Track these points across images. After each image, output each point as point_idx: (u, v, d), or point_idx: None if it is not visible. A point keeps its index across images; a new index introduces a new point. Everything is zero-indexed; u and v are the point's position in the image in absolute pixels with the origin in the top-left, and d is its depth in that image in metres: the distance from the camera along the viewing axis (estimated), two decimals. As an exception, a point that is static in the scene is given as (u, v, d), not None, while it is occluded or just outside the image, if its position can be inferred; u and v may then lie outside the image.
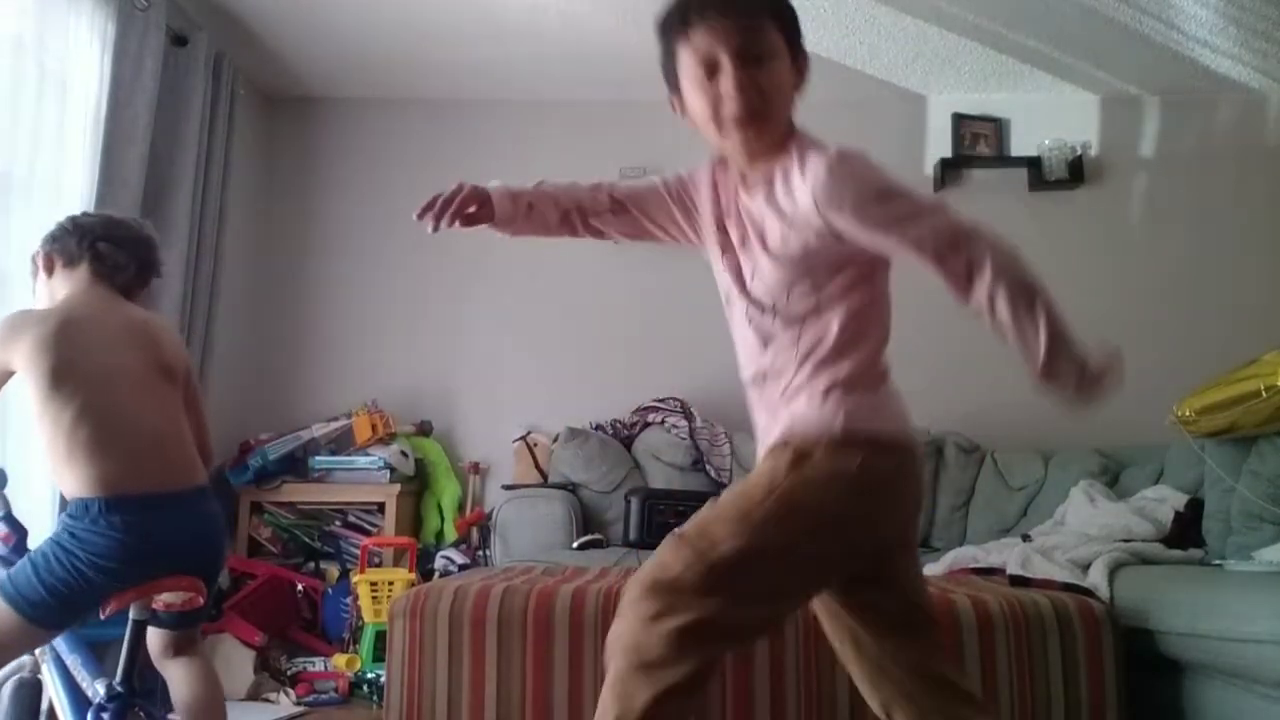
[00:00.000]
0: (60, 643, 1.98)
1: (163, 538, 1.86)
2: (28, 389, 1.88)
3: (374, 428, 3.77)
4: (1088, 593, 2.14)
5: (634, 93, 4.03)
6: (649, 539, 3.26)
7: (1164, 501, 2.67)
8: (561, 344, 4.11)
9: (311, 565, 3.63)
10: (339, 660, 3.13)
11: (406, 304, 4.15)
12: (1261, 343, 2.43)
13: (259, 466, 3.63)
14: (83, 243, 2.03)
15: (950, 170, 4.11)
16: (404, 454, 3.77)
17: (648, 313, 4.03)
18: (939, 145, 4.14)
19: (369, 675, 3.00)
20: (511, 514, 3.44)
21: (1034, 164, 4.06)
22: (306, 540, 3.68)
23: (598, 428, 3.89)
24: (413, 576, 3.24)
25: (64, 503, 1.88)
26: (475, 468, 4.00)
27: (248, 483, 3.66)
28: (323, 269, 4.21)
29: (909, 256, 1.21)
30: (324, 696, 2.95)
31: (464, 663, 1.98)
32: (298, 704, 2.90)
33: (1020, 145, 4.14)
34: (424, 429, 4.00)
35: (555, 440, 3.82)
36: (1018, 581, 2.27)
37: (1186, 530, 2.54)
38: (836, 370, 1.25)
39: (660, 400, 3.90)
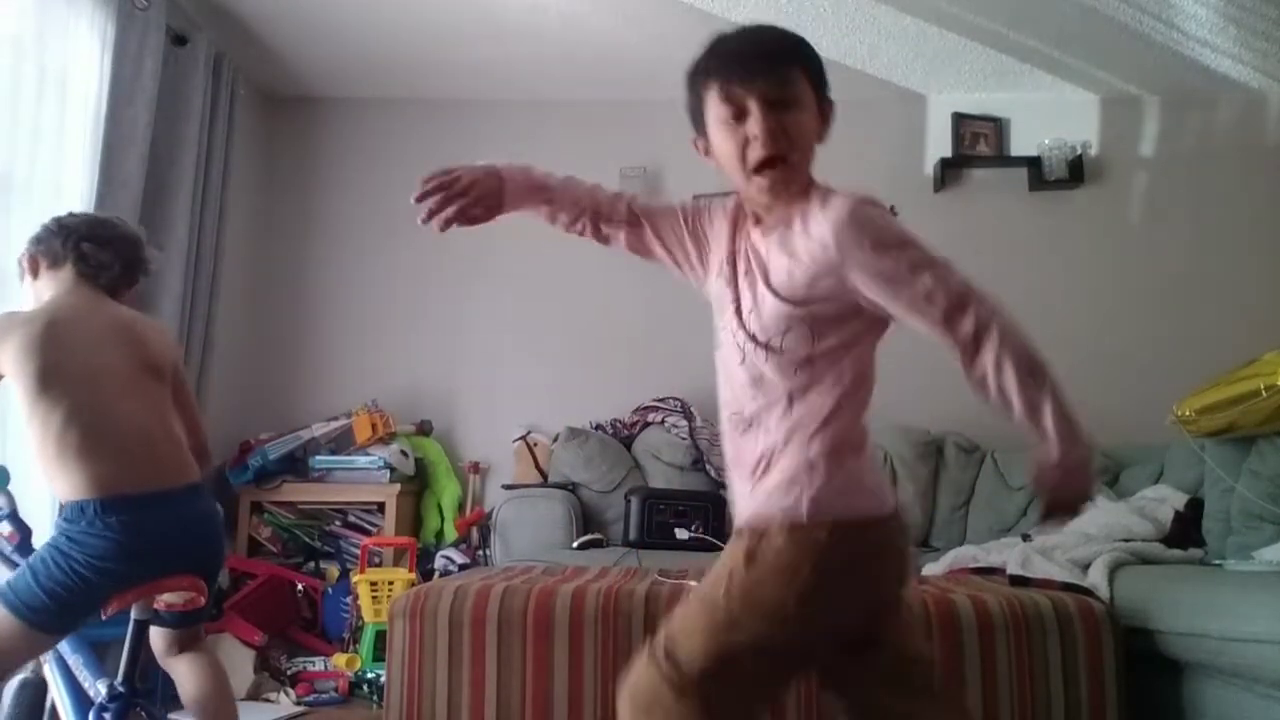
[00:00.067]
0: (62, 643, 1.98)
1: (159, 536, 1.86)
2: (15, 392, 1.87)
3: (374, 427, 3.77)
4: (1088, 592, 2.14)
5: (634, 93, 4.05)
6: (649, 539, 3.26)
7: (1164, 501, 2.67)
8: (561, 344, 4.11)
9: (311, 565, 3.63)
10: (339, 660, 3.13)
11: (406, 304, 4.16)
12: (1261, 343, 2.43)
13: (259, 466, 3.63)
14: (67, 243, 2.03)
15: (950, 170, 4.12)
16: (404, 454, 3.77)
17: (648, 312, 4.03)
18: (939, 145, 4.14)
19: (369, 675, 3.01)
20: (511, 514, 3.44)
21: (1034, 164, 4.06)
22: (306, 540, 3.68)
23: (598, 427, 3.89)
24: (413, 576, 3.24)
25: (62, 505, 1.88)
26: (475, 467, 4.00)
27: (248, 482, 3.66)
28: (323, 269, 4.21)
29: (914, 313, 1.20)
30: (324, 696, 2.95)
31: (464, 663, 1.99)
32: (298, 704, 2.90)
33: (1020, 145, 4.14)
34: (424, 429, 4.00)
35: (555, 440, 3.82)
36: (1018, 581, 2.26)
37: (1186, 530, 2.54)
38: (821, 439, 1.23)
39: (660, 400, 3.90)
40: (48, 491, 2.64)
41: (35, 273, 2.06)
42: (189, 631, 2.04)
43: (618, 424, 3.91)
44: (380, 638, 3.05)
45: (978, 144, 4.14)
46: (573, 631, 1.98)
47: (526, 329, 4.14)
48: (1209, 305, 3.97)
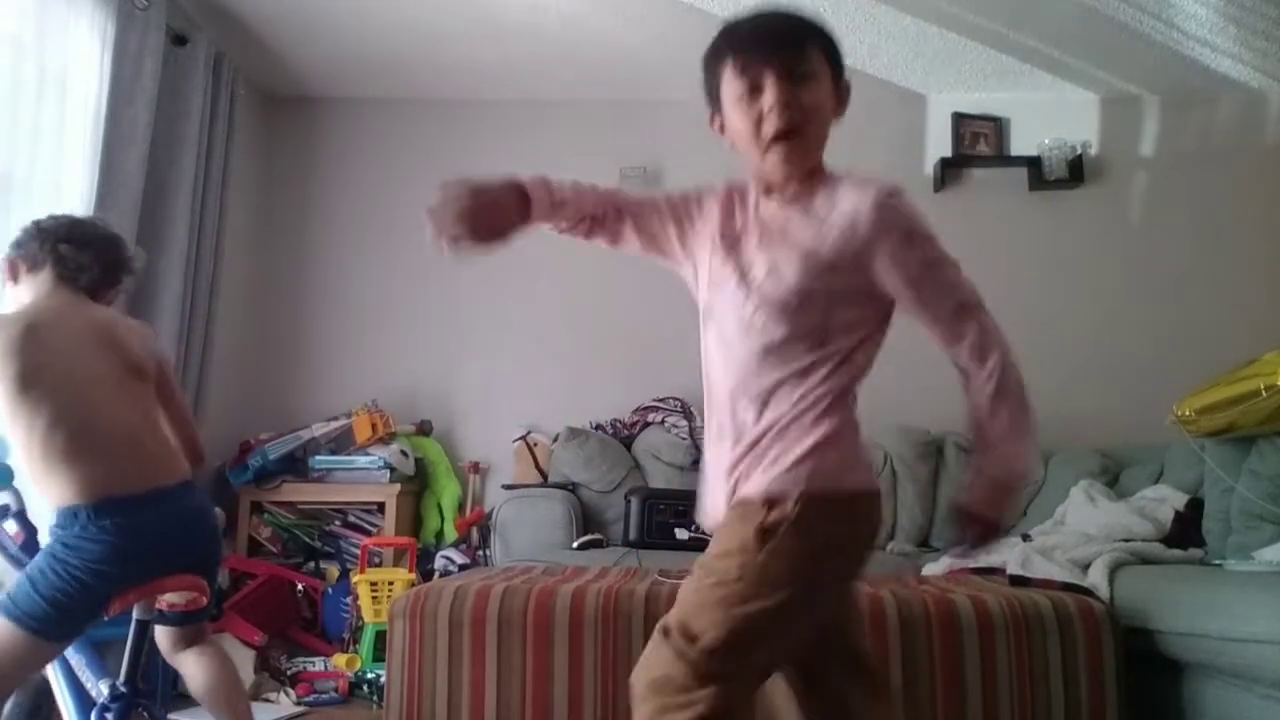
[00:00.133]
0: (65, 643, 1.99)
1: (154, 536, 1.86)
2: None
3: (374, 427, 3.77)
4: (1088, 592, 2.14)
5: (634, 93, 4.06)
6: (649, 539, 3.26)
7: (1164, 501, 2.67)
8: (561, 344, 4.11)
9: (311, 565, 3.63)
10: (339, 660, 3.13)
11: (406, 304, 4.16)
12: (1261, 343, 2.43)
13: (259, 466, 3.63)
14: (44, 246, 2.03)
15: (950, 169, 4.12)
16: (404, 454, 3.77)
17: (648, 313, 4.03)
18: (939, 145, 4.14)
19: (369, 675, 3.01)
20: (511, 514, 3.44)
21: (1034, 163, 4.06)
22: (306, 540, 3.68)
23: (598, 428, 3.89)
24: (413, 576, 3.24)
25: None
26: (475, 468, 4.00)
27: (248, 482, 3.66)
28: (323, 269, 4.21)
29: (926, 307, 1.25)
30: (324, 696, 2.95)
31: (464, 663, 1.99)
32: (298, 704, 2.90)
33: (1020, 145, 4.14)
34: (424, 429, 4.00)
35: (555, 440, 3.82)
36: (1018, 581, 2.26)
37: (1186, 530, 2.54)
38: (832, 416, 1.24)
39: (660, 400, 3.90)
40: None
41: (15, 277, 2.05)
42: (194, 628, 2.06)
43: (618, 424, 3.91)
44: (380, 638, 3.05)
45: (978, 144, 4.15)
46: (573, 631, 1.98)
47: (526, 329, 4.14)
48: (1209, 305, 3.97)
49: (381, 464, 3.69)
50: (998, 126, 4.16)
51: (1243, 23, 3.53)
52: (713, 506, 1.32)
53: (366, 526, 3.74)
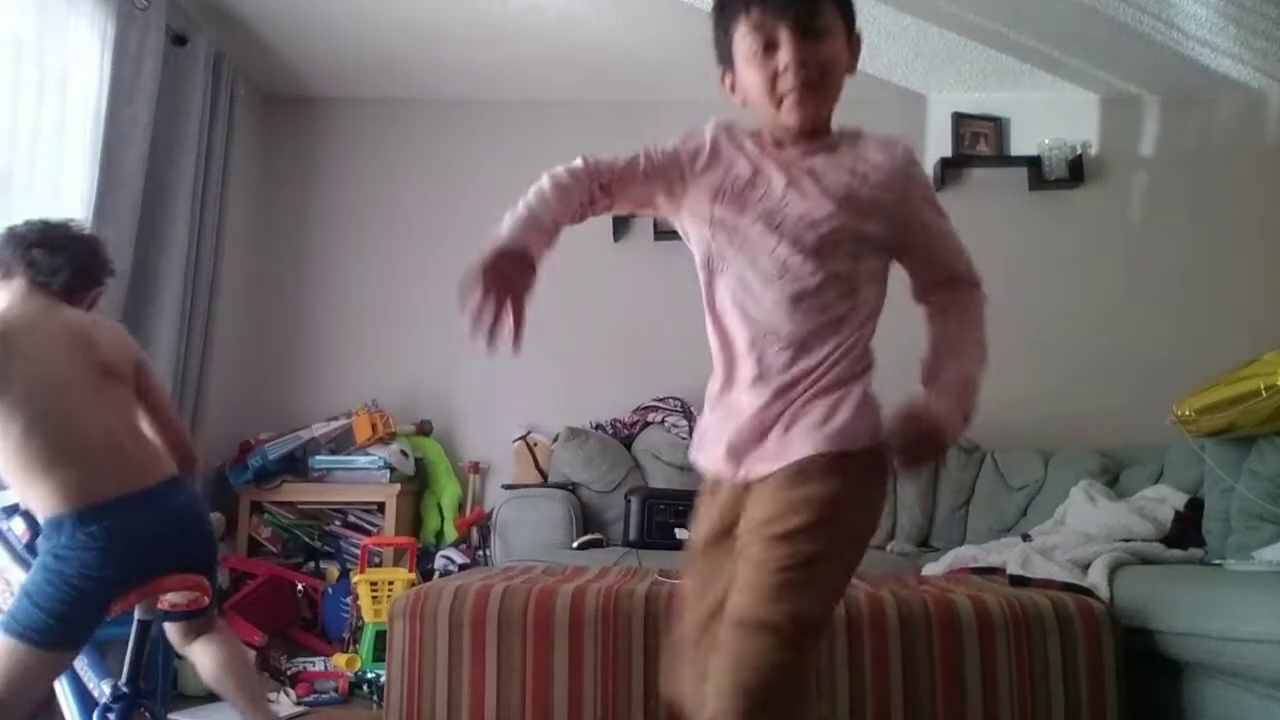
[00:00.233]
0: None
1: (144, 537, 1.86)
2: None
3: (374, 427, 3.77)
4: (1088, 592, 2.14)
5: (634, 93, 4.05)
6: (649, 539, 3.26)
7: (1164, 501, 2.67)
8: (561, 344, 4.11)
9: (311, 565, 3.63)
10: (339, 660, 3.13)
11: (406, 304, 4.15)
12: (1261, 343, 2.43)
13: (259, 466, 3.63)
14: (16, 253, 2.03)
15: (950, 169, 4.12)
16: (404, 454, 3.77)
17: (648, 312, 4.03)
18: (939, 144, 4.14)
19: (369, 675, 3.00)
20: (511, 514, 3.44)
21: (1034, 163, 4.06)
22: (306, 540, 3.68)
23: (598, 427, 3.89)
24: (413, 576, 3.24)
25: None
26: (475, 467, 4.00)
27: (248, 482, 3.66)
28: (322, 269, 4.21)
29: (940, 260, 1.32)
30: (324, 696, 2.95)
31: (464, 663, 1.99)
32: (298, 704, 2.90)
33: (1020, 145, 4.14)
34: (424, 429, 4.00)
35: (555, 440, 3.82)
36: (1018, 581, 2.27)
37: (1187, 530, 2.54)
38: (868, 368, 1.27)
39: (660, 400, 3.90)
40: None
41: None
42: (201, 621, 2.07)
43: (618, 424, 3.91)
44: (380, 638, 3.05)
45: (978, 144, 4.15)
46: (573, 631, 1.98)
47: (526, 329, 4.12)
48: (1209, 305, 3.97)
49: (381, 464, 3.69)
50: (998, 126, 4.16)
51: (1243, 23, 3.53)
52: (735, 451, 1.26)
53: (366, 526, 3.74)
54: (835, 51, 1.27)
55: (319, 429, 3.77)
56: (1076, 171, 4.06)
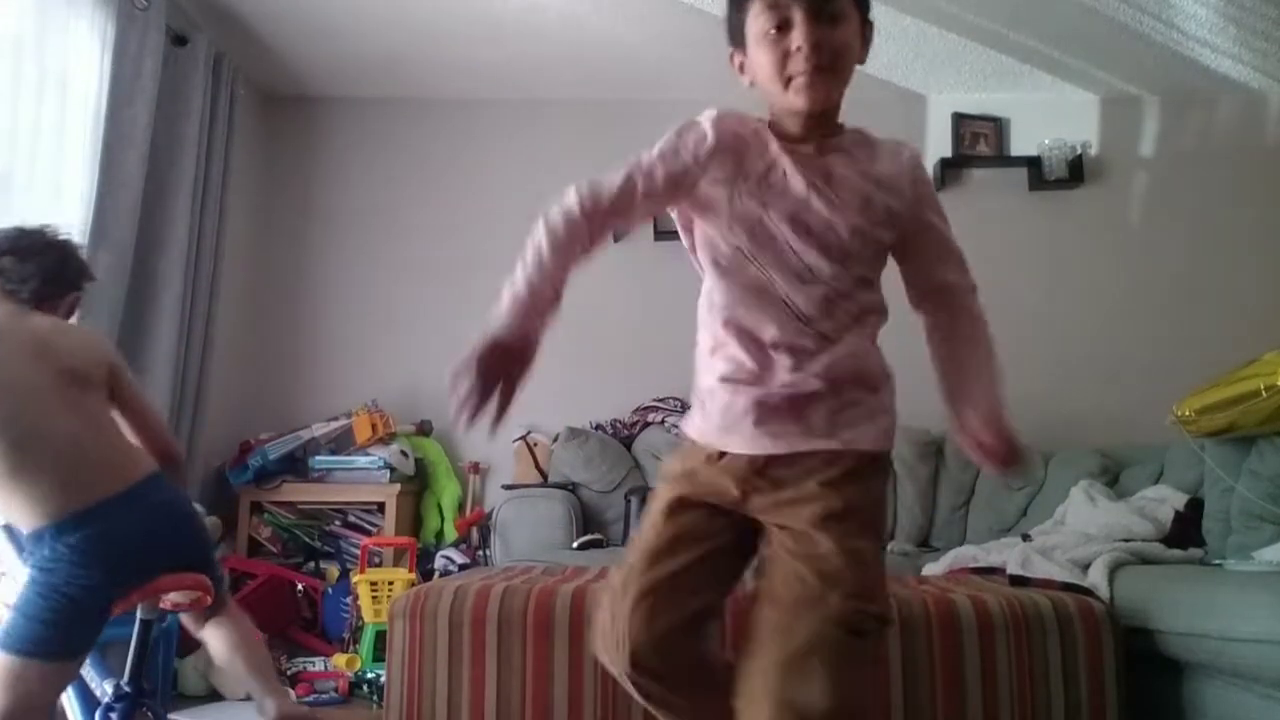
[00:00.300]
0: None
1: (130, 538, 1.85)
2: None
3: (374, 427, 3.77)
4: (1088, 592, 2.13)
5: (634, 93, 4.05)
6: (649, 539, 3.26)
7: (1164, 501, 2.67)
8: (561, 344, 4.07)
9: (311, 565, 3.63)
10: (339, 660, 3.13)
11: (406, 303, 4.15)
12: (1261, 343, 2.43)
13: (259, 466, 3.63)
14: None
15: (950, 170, 4.12)
16: (404, 454, 3.77)
17: (648, 313, 4.03)
18: (939, 145, 4.14)
19: (369, 675, 3.00)
20: (511, 514, 3.44)
21: (1034, 164, 4.07)
22: (306, 540, 3.68)
23: (598, 427, 3.89)
24: (413, 576, 3.24)
25: None
26: (475, 468, 4.00)
27: (248, 483, 3.66)
28: (323, 269, 4.21)
29: (944, 267, 1.33)
30: (324, 696, 2.95)
31: (464, 663, 1.98)
32: (298, 704, 2.90)
33: (1020, 145, 4.14)
34: (424, 429, 4.00)
35: (555, 440, 3.82)
36: (1018, 581, 2.26)
37: (1187, 530, 2.54)
38: (887, 371, 1.31)
39: (660, 400, 3.90)
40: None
41: None
42: (211, 609, 2.09)
43: (618, 424, 3.91)
44: (380, 638, 3.04)
45: (978, 144, 4.15)
46: (573, 631, 1.98)
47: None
48: (1209, 305, 3.97)
49: (381, 464, 3.69)
50: (998, 127, 4.16)
51: (1243, 23, 3.53)
52: (755, 433, 1.27)
53: (366, 526, 3.74)
54: (848, 37, 1.27)
55: (319, 429, 3.78)
56: (1076, 172, 4.06)
